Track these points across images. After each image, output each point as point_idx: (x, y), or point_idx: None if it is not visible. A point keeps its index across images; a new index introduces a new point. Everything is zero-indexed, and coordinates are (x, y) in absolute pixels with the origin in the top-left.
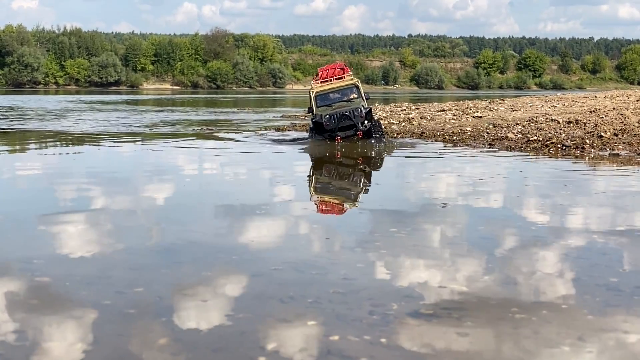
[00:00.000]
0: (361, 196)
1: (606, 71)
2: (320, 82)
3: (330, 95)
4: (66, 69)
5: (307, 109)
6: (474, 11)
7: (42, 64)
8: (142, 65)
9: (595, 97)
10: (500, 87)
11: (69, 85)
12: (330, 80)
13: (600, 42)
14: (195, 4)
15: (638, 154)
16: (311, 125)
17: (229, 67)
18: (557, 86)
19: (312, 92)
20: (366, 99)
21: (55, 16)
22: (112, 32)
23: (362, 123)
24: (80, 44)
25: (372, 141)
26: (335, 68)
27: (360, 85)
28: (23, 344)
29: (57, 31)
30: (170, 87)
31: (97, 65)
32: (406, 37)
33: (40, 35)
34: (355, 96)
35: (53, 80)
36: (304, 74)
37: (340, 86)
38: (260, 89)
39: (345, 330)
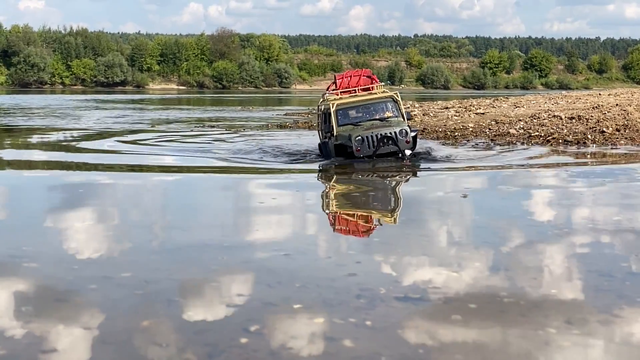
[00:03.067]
0: None
1: (613, 71)
2: (340, 92)
3: (355, 111)
4: (72, 69)
5: (320, 128)
6: (480, 11)
7: (48, 64)
8: (148, 66)
9: (600, 94)
10: (507, 87)
11: (75, 85)
12: (355, 91)
13: (607, 42)
14: (202, 4)
15: None
16: (329, 144)
17: (235, 67)
18: (563, 86)
19: (331, 105)
20: (408, 119)
21: (61, 16)
22: (118, 33)
23: (409, 150)
24: (86, 44)
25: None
26: (360, 75)
27: (399, 99)
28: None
29: (63, 31)
30: (176, 87)
31: (103, 66)
32: (412, 37)
33: (47, 36)
34: (392, 115)
35: (59, 81)
36: (310, 74)
37: (371, 99)
38: (266, 88)
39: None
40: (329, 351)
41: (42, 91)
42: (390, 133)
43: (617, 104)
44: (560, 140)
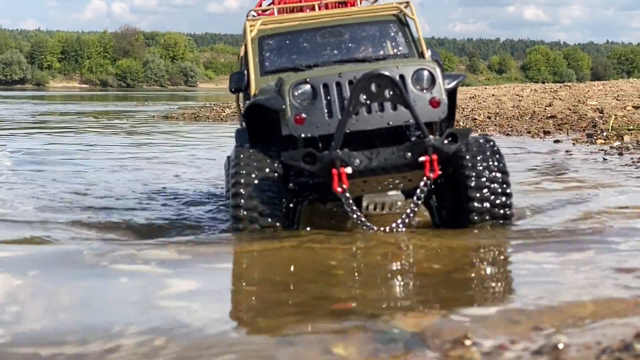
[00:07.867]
0: None
1: (512, 71)
2: (277, 11)
3: (307, 42)
4: None
5: (238, 102)
6: None
7: None
8: (49, 63)
9: (485, 88)
10: None
11: None
12: (314, 9)
13: (507, 42)
14: (105, 1)
15: (506, 135)
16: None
17: (139, 65)
18: (464, 85)
19: (248, 29)
20: (441, 66)
21: None
22: (17, 29)
23: (441, 129)
24: None
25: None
26: None
27: (414, 16)
28: None
29: None
30: (79, 85)
31: (0, 63)
32: None
33: None
34: (397, 53)
35: None
36: (216, 72)
37: (345, 17)
38: (172, 87)
39: None
40: None
41: None
42: (387, 73)
43: (493, 95)
44: None
